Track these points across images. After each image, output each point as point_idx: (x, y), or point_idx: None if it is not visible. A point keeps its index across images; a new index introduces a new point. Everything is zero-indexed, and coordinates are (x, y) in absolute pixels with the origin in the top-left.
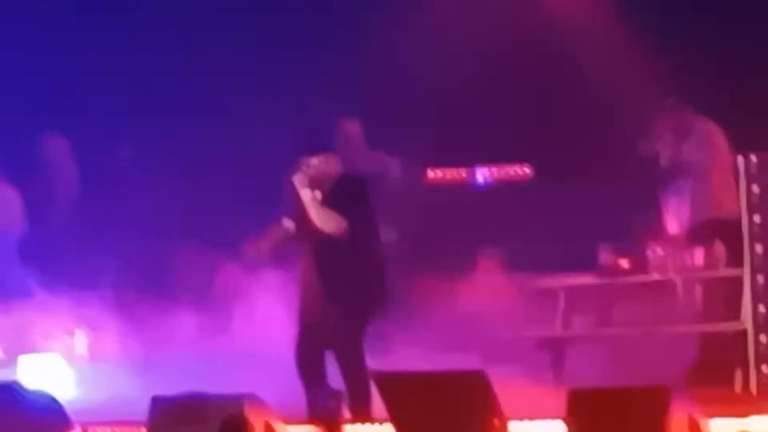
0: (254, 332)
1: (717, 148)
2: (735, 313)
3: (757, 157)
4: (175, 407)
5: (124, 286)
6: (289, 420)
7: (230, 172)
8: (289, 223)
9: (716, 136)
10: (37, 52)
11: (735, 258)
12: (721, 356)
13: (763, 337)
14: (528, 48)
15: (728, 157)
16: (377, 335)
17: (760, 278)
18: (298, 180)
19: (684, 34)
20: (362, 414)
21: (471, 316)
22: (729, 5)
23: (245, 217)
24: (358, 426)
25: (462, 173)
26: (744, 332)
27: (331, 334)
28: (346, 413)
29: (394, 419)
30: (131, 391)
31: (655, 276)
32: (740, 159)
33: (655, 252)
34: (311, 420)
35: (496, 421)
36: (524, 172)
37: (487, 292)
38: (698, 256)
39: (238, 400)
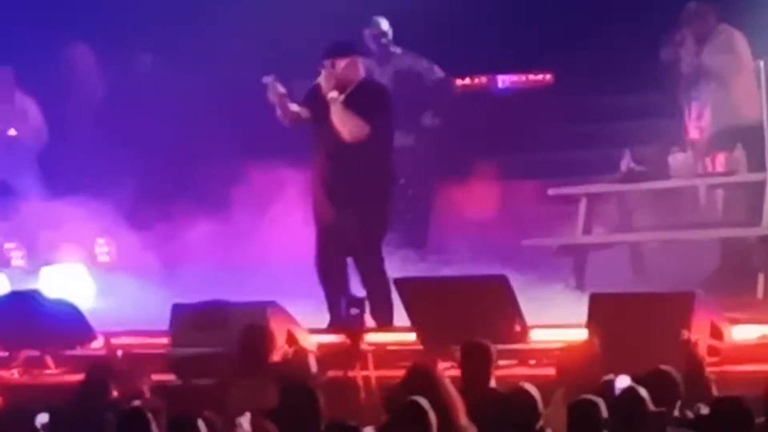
0: (276, 241)
1: (739, 54)
2: (757, 219)
3: None
4: (196, 314)
5: (146, 196)
6: (312, 329)
7: (255, 78)
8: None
9: (738, 41)
10: None
11: (756, 163)
12: (743, 262)
13: None
14: None
15: (750, 63)
16: (397, 243)
17: None
18: (324, 80)
19: None
20: (384, 322)
21: (489, 224)
22: None
23: (267, 123)
24: (381, 334)
25: (483, 80)
26: (766, 238)
27: (350, 242)
28: (369, 321)
29: (415, 325)
30: (153, 300)
31: (677, 182)
32: (761, 64)
33: (676, 158)
34: (333, 329)
35: (517, 327)
36: (545, 78)
37: (507, 199)
38: (719, 161)
39: (260, 308)
